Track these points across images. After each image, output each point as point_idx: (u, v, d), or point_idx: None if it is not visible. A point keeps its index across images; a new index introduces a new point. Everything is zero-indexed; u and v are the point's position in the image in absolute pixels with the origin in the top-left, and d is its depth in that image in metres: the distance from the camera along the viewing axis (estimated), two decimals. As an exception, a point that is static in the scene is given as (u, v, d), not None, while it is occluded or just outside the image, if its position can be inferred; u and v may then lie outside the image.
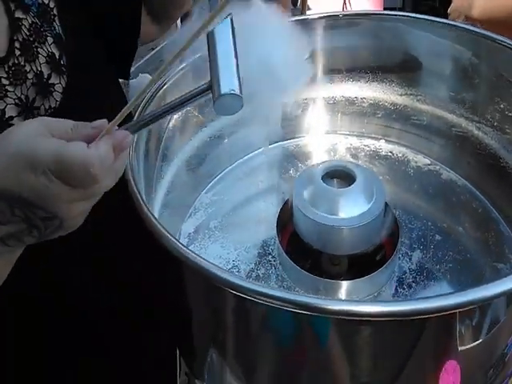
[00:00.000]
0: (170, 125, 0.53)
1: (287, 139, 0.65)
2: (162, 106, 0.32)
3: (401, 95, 0.60)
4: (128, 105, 0.32)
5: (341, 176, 0.46)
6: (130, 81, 1.68)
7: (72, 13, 0.55)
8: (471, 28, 0.53)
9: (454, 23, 0.53)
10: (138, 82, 1.79)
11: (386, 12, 0.62)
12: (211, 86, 0.30)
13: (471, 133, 0.56)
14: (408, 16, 0.55)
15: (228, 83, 0.29)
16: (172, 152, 0.55)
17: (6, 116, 0.49)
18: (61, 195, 0.29)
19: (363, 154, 0.63)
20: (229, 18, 0.33)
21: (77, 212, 0.31)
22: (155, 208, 0.50)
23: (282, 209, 0.53)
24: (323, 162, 0.48)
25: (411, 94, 0.59)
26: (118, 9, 0.60)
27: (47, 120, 0.31)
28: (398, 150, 0.63)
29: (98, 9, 0.58)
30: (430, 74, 0.57)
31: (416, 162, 0.61)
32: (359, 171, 0.45)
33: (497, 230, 0.50)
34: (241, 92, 0.29)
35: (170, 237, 0.35)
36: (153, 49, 2.86)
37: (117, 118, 0.31)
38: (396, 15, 0.56)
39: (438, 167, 0.60)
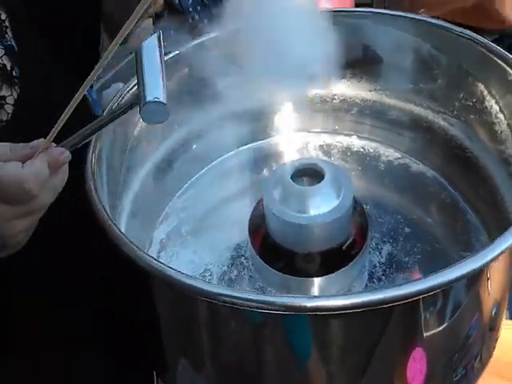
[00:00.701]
0: (135, 132, 0.54)
1: (258, 140, 0.67)
2: (97, 121, 0.35)
3: (370, 91, 0.62)
4: (59, 121, 0.33)
5: (310, 174, 0.48)
6: (104, 91, 1.68)
7: (26, 25, 0.56)
8: (430, 20, 0.55)
9: (413, 16, 0.55)
10: (113, 90, 1.78)
11: (344, 9, 0.64)
12: (138, 98, 0.33)
13: (437, 124, 0.58)
14: (368, 12, 0.57)
15: (153, 92, 0.32)
16: (138, 159, 0.55)
17: None
18: (2, 214, 0.31)
19: (336, 150, 0.65)
20: (156, 35, 0.36)
21: (18, 229, 0.32)
22: (122, 217, 0.50)
23: (253, 210, 0.54)
24: (292, 161, 0.49)
25: (379, 90, 0.61)
26: (75, 22, 0.60)
27: None
28: (370, 146, 0.65)
29: (54, 23, 0.58)
30: (393, 68, 0.59)
31: (387, 157, 0.63)
32: (327, 168, 0.46)
33: (464, 220, 0.52)
34: (165, 100, 0.32)
35: (130, 243, 0.35)
36: (131, 53, 2.86)
37: (49, 135, 0.33)
38: (355, 11, 0.58)
39: (407, 160, 0.62)
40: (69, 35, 0.59)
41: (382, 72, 0.59)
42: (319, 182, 0.46)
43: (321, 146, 0.64)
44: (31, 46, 0.55)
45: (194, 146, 0.61)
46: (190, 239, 0.55)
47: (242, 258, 0.53)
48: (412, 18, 0.55)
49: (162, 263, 0.34)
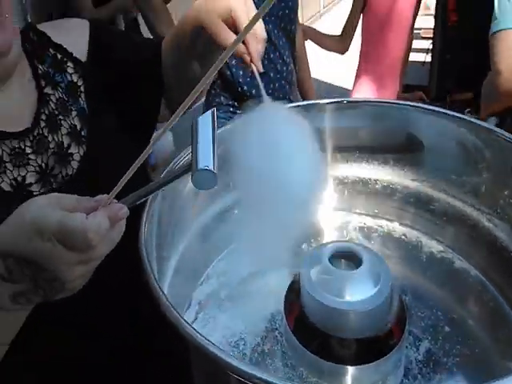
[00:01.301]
0: (184, 195, 0.58)
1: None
2: (154, 183, 0.39)
3: (413, 180, 0.65)
4: (121, 180, 0.38)
5: (348, 257, 0.50)
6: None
7: (97, 93, 0.64)
8: (473, 120, 0.58)
9: (456, 114, 0.59)
10: (163, 141, 1.91)
11: (391, 100, 0.68)
12: (190, 166, 0.37)
13: (481, 223, 0.59)
14: (413, 106, 0.61)
15: (204, 161, 0.37)
16: (186, 220, 0.59)
17: (26, 182, 0.56)
18: (62, 258, 0.35)
19: (376, 234, 0.67)
20: (211, 111, 0.42)
21: (76, 275, 0.36)
22: (167, 273, 0.54)
23: (290, 286, 0.55)
24: (331, 243, 0.52)
25: (423, 180, 0.64)
26: (140, 96, 0.68)
27: (56, 195, 0.37)
28: (412, 234, 0.67)
29: (122, 95, 0.66)
30: (437, 159, 0.62)
31: (429, 248, 0.64)
32: (366, 254, 0.48)
33: (509, 327, 0.51)
34: (215, 169, 0.36)
35: (179, 316, 0.38)
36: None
37: (112, 192, 0.37)
38: (399, 104, 0.63)
39: (451, 255, 0.63)
40: (133, 105, 0.68)
41: (426, 162, 0.63)
42: (357, 266, 0.48)
43: (361, 228, 0.67)
44: (99, 111, 0.64)
45: (232, 217, 0.65)
46: (227, 304, 0.57)
47: (276, 331, 0.55)
48: (456, 117, 0.58)
49: (201, 335, 0.36)
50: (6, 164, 0.56)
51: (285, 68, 1.40)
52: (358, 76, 1.90)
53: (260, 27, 0.56)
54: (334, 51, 1.87)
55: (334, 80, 3.98)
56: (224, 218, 0.65)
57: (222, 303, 0.58)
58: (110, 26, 0.73)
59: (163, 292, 0.41)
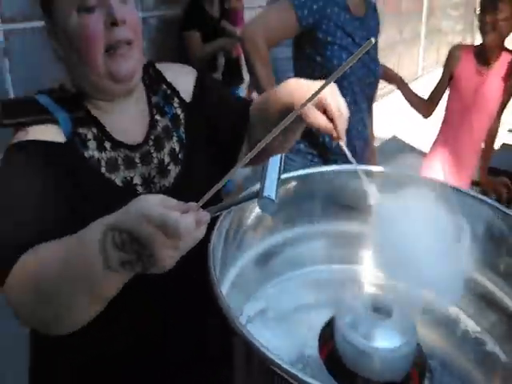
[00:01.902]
0: (248, 221, 0.70)
1: (347, 263, 0.78)
2: (230, 201, 0.52)
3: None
4: (207, 194, 0.50)
5: (380, 308, 0.58)
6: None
7: (194, 125, 0.80)
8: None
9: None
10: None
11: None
12: (258, 193, 0.51)
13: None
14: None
15: (268, 192, 0.50)
16: (247, 243, 0.71)
17: (133, 182, 0.72)
18: (159, 241, 0.47)
19: (419, 302, 0.72)
20: (280, 155, 0.56)
21: (167, 257, 0.48)
22: (226, 284, 0.64)
23: (327, 323, 0.64)
24: (368, 294, 0.60)
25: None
26: (226, 137, 0.83)
27: (162, 196, 0.50)
28: (453, 310, 0.72)
29: (212, 133, 0.83)
30: (481, 249, 0.68)
31: (466, 326, 0.69)
32: (396, 308, 0.56)
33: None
34: (276, 199, 0.50)
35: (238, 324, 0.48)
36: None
37: (200, 201, 0.50)
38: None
39: (485, 337, 0.67)
40: (219, 143, 0.83)
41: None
42: (387, 317, 0.56)
43: (406, 293, 0.73)
44: (194, 140, 0.80)
45: (289, 250, 0.76)
46: (272, 323, 0.67)
47: (307, 358, 0.63)
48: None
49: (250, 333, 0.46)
50: (120, 166, 0.72)
51: (364, 130, 1.51)
52: (434, 146, 1.95)
53: (343, 106, 0.69)
54: (418, 112, 1.94)
55: (412, 139, 4.03)
56: (277, 251, 0.76)
57: (268, 322, 0.67)
58: (213, 77, 0.91)
59: (224, 298, 0.51)
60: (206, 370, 0.73)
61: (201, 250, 0.55)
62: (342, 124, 0.68)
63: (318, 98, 0.67)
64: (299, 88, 0.71)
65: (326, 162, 1.46)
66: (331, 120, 0.68)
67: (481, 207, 0.70)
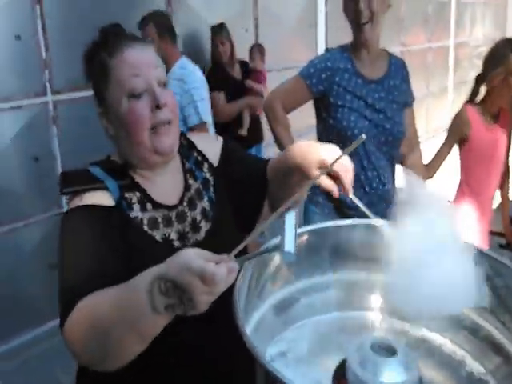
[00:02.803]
0: (268, 272, 0.82)
1: (356, 309, 0.88)
2: (252, 253, 0.64)
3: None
4: (237, 248, 0.63)
5: (386, 348, 0.67)
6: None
7: (222, 187, 0.96)
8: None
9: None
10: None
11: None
12: (279, 246, 0.63)
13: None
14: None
15: (288, 246, 0.63)
16: (266, 293, 0.82)
17: (170, 238, 0.86)
18: (198, 287, 0.58)
19: (426, 344, 0.81)
20: (295, 211, 0.68)
21: (204, 301, 0.60)
22: (248, 328, 0.74)
23: (339, 364, 0.73)
24: (374, 336, 0.70)
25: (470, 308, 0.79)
26: (249, 196, 0.97)
27: (200, 250, 0.62)
28: (460, 353, 0.80)
29: (237, 193, 0.98)
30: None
31: (471, 368, 0.77)
32: (400, 347, 0.66)
33: None
34: (294, 252, 0.62)
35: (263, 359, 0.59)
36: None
37: (232, 253, 0.62)
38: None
39: (489, 379, 0.75)
40: (243, 201, 0.97)
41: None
42: (392, 356, 0.65)
43: (415, 337, 0.82)
44: (222, 200, 0.95)
45: (305, 298, 0.87)
46: (291, 364, 0.77)
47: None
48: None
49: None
50: (159, 224, 0.87)
51: (380, 186, 1.62)
52: (456, 199, 2.04)
53: (348, 161, 0.82)
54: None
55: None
56: (293, 300, 0.87)
57: (288, 362, 0.77)
58: (235, 143, 1.07)
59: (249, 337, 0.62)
60: None
61: (226, 298, 0.66)
62: (348, 178, 0.81)
63: (320, 160, 0.80)
64: (311, 151, 0.84)
65: (341, 215, 1.59)
66: (336, 178, 0.80)
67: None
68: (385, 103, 1.59)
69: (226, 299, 0.66)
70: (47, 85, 2.41)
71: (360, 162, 1.57)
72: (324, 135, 1.64)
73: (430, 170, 1.95)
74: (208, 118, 2.56)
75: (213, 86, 2.96)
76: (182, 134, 1.02)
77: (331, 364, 0.75)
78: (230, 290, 0.66)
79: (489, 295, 0.77)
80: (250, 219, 0.98)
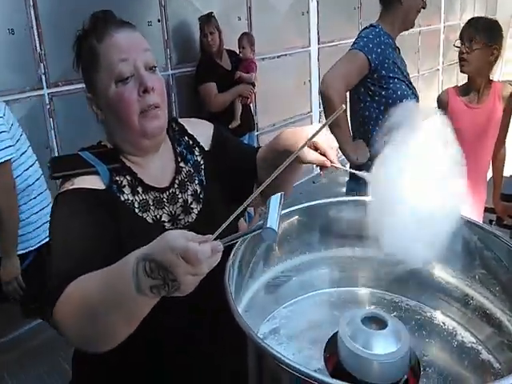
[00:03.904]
0: (258, 252, 0.80)
1: (349, 286, 0.87)
2: (237, 234, 0.61)
3: (453, 277, 0.78)
4: (220, 229, 0.60)
5: (376, 321, 0.66)
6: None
7: (213, 170, 0.93)
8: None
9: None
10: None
11: None
12: (262, 226, 0.60)
13: (504, 324, 0.70)
14: None
15: (271, 223, 0.60)
16: (258, 272, 0.80)
17: (162, 220, 0.84)
18: (181, 267, 0.56)
19: (418, 317, 0.80)
20: (280, 194, 0.65)
21: (188, 281, 0.58)
22: (240, 306, 0.72)
23: (330, 338, 0.72)
24: (363, 309, 0.68)
25: (460, 278, 0.77)
26: (239, 180, 0.95)
27: (183, 231, 0.60)
28: (450, 323, 0.79)
29: (227, 176, 0.96)
30: (473, 264, 0.75)
31: (462, 337, 0.76)
32: (390, 319, 0.64)
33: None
34: (277, 229, 0.59)
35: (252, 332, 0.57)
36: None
37: (215, 234, 0.60)
38: None
39: (480, 347, 0.73)
40: (233, 184, 0.95)
41: (465, 263, 0.76)
42: (383, 327, 0.64)
43: (406, 309, 0.81)
44: (212, 182, 0.93)
45: (297, 276, 0.86)
46: (284, 340, 0.76)
47: (318, 371, 0.71)
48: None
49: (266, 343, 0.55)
50: (150, 206, 0.85)
51: None
52: None
53: (331, 139, 0.82)
54: None
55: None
56: (286, 278, 0.85)
57: (280, 338, 0.76)
58: (227, 131, 1.06)
59: (241, 315, 0.61)
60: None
61: (216, 281, 0.64)
62: (333, 155, 0.81)
63: (307, 137, 0.79)
64: (295, 133, 0.85)
65: None
66: (323, 154, 0.81)
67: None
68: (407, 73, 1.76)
69: (217, 279, 0.64)
70: (43, 78, 2.37)
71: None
72: (371, 109, 1.69)
73: None
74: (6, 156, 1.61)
75: (203, 76, 2.91)
76: (174, 120, 1.00)
77: (323, 339, 0.73)
78: (221, 271, 0.65)
79: (479, 266, 0.76)
80: (240, 201, 0.96)
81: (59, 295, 0.67)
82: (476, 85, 1.87)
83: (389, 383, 0.63)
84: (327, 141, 0.82)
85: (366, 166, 0.79)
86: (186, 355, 0.83)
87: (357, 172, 0.81)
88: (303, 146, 0.64)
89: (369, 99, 1.70)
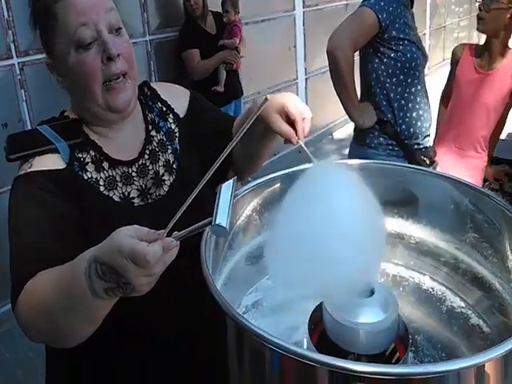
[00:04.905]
0: (237, 224, 0.75)
1: None
2: (188, 229, 0.55)
3: (442, 240, 0.75)
4: (171, 221, 0.55)
5: (364, 289, 0.62)
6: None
7: (187, 138, 0.86)
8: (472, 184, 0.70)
9: (456, 178, 0.70)
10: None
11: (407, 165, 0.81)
12: (211, 221, 0.54)
13: (495, 287, 0.67)
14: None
15: (220, 219, 0.53)
16: (237, 244, 0.75)
17: (130, 196, 0.78)
18: (131, 271, 0.52)
19: (406, 283, 0.77)
20: (232, 180, 0.58)
21: (142, 283, 0.53)
22: (220, 280, 0.68)
23: (315, 308, 0.68)
24: (352, 278, 0.64)
25: (449, 242, 0.74)
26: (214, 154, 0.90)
27: (135, 228, 0.54)
28: (439, 289, 0.76)
29: (203, 145, 0.89)
30: (461, 227, 0.71)
31: (452, 302, 0.73)
32: (378, 287, 0.60)
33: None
34: (227, 225, 0.53)
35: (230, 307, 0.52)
36: (274, 154, 3.34)
37: (166, 229, 0.54)
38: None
39: (470, 312, 0.71)
40: (209, 154, 0.88)
41: (451, 224, 0.72)
42: (370, 296, 0.60)
43: (394, 276, 0.77)
44: (187, 152, 0.86)
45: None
46: (267, 312, 0.72)
47: (303, 341, 0.68)
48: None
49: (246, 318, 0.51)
50: (118, 183, 0.79)
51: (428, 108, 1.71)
52: (439, 138, 1.98)
53: (305, 109, 0.74)
54: None
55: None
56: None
57: (264, 310, 0.72)
58: (204, 98, 0.98)
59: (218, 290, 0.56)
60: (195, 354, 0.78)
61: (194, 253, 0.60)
62: (302, 127, 0.73)
63: (280, 106, 0.73)
64: (273, 99, 0.75)
65: (405, 150, 1.64)
66: (293, 124, 0.73)
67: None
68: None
69: (194, 254, 0.60)
70: (12, 46, 2.24)
71: (420, 91, 1.62)
72: (379, 72, 1.61)
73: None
74: None
75: (187, 42, 2.80)
76: (145, 84, 0.92)
77: (308, 309, 0.70)
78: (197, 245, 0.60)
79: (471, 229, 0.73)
80: (215, 176, 0.90)
81: (18, 294, 0.63)
82: (490, 48, 1.79)
83: (376, 352, 0.60)
84: (300, 113, 0.73)
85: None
86: (161, 338, 0.78)
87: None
88: (258, 112, 0.56)
89: (377, 61, 1.60)
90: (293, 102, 0.73)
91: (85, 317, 0.60)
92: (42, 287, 0.62)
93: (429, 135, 1.71)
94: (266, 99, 0.53)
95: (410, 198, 0.80)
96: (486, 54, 1.81)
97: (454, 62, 1.89)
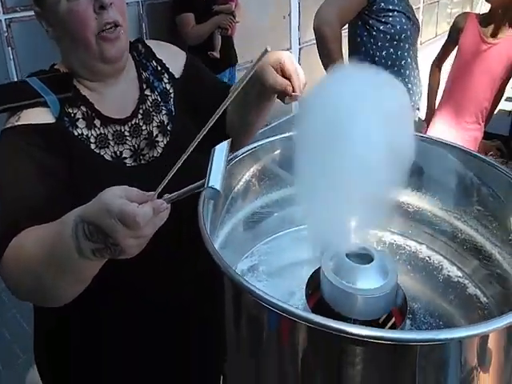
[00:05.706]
0: (236, 189, 0.72)
1: None
2: (183, 190, 0.52)
3: (441, 209, 0.73)
4: (162, 183, 0.51)
5: (362, 255, 0.60)
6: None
7: (183, 99, 0.81)
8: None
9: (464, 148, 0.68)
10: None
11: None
12: (204, 183, 0.51)
13: (494, 256, 0.66)
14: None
15: (213, 181, 0.50)
16: (235, 208, 0.72)
17: (122, 156, 0.74)
18: (119, 231, 0.48)
19: (403, 251, 0.75)
20: (226, 142, 0.54)
21: (131, 244, 0.50)
22: (217, 243, 0.65)
23: (312, 275, 0.66)
24: (351, 243, 0.62)
25: (449, 211, 0.72)
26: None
27: (125, 188, 0.51)
28: (436, 257, 0.74)
29: (197, 107, 0.83)
30: (462, 196, 0.69)
31: (448, 271, 0.71)
32: (377, 254, 0.58)
33: None
34: (220, 188, 0.50)
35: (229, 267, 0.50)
36: (267, 125, 3.27)
37: (156, 190, 0.51)
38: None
39: (467, 281, 0.69)
40: (204, 113, 0.83)
41: (454, 196, 0.70)
42: (369, 262, 0.58)
43: (390, 244, 0.75)
44: (182, 113, 0.81)
45: (278, 211, 0.78)
46: (263, 276, 0.70)
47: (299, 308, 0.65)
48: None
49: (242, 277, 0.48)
50: (110, 141, 0.74)
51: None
52: (438, 110, 1.94)
53: (300, 70, 0.70)
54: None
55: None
56: (267, 213, 0.78)
57: (260, 275, 0.70)
58: (200, 62, 0.93)
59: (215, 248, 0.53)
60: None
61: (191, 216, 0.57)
62: (299, 81, 0.69)
63: (275, 61, 0.69)
64: (268, 57, 0.70)
65: None
66: (288, 79, 0.69)
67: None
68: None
69: (191, 217, 0.56)
70: (-3, 2, 2.10)
71: (410, 64, 1.57)
72: (368, 45, 1.54)
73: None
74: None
75: (181, 5, 2.67)
76: (140, 41, 0.86)
77: (305, 275, 0.68)
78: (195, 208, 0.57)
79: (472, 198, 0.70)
80: (209, 139, 0.86)
81: (4, 249, 0.59)
82: (495, 17, 1.73)
83: (373, 319, 0.58)
84: (296, 69, 0.69)
85: None
86: (152, 303, 0.76)
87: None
88: (257, 62, 0.51)
89: (366, 34, 1.54)
90: (289, 59, 0.69)
91: (72, 276, 0.57)
92: (27, 244, 0.58)
93: (418, 109, 1.67)
94: (266, 50, 0.48)
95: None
96: (491, 24, 1.75)
97: (456, 30, 1.83)
